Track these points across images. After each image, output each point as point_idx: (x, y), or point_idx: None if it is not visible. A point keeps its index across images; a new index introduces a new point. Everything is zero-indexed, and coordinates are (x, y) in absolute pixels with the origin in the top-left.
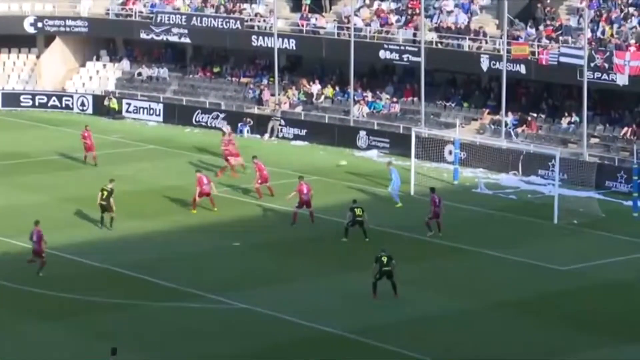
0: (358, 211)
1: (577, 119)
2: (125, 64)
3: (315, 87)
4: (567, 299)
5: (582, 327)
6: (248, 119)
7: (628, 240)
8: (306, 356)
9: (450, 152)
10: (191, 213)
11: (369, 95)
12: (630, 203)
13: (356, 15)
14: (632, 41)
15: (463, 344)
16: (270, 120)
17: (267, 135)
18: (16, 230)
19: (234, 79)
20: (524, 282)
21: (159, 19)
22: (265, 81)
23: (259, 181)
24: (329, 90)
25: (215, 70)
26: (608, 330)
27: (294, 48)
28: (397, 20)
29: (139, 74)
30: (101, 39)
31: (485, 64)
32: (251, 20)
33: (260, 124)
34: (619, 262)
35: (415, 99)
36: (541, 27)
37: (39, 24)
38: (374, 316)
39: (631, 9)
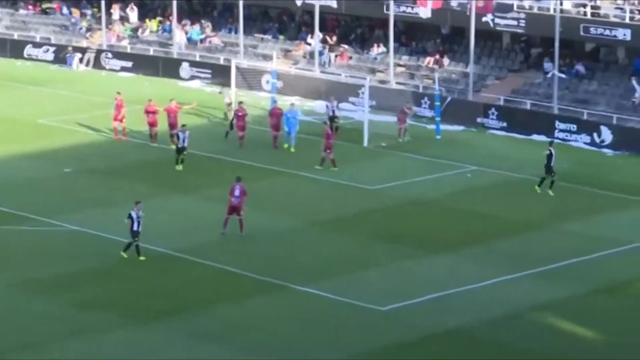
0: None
1: (385, 49)
2: None
3: (134, 15)
4: (377, 216)
5: (391, 240)
6: (70, 48)
7: (431, 161)
8: (134, 274)
9: (267, 82)
10: (25, 141)
11: (188, 24)
12: (433, 127)
13: None
14: None
15: (281, 258)
16: (86, 52)
17: (82, 66)
18: None
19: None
20: (338, 201)
21: None
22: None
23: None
24: (153, 24)
25: (44, 6)
26: (414, 242)
27: None
28: None
29: None
30: None
31: None
32: None
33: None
34: (423, 181)
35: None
36: None
37: None
38: (197, 236)
39: None
